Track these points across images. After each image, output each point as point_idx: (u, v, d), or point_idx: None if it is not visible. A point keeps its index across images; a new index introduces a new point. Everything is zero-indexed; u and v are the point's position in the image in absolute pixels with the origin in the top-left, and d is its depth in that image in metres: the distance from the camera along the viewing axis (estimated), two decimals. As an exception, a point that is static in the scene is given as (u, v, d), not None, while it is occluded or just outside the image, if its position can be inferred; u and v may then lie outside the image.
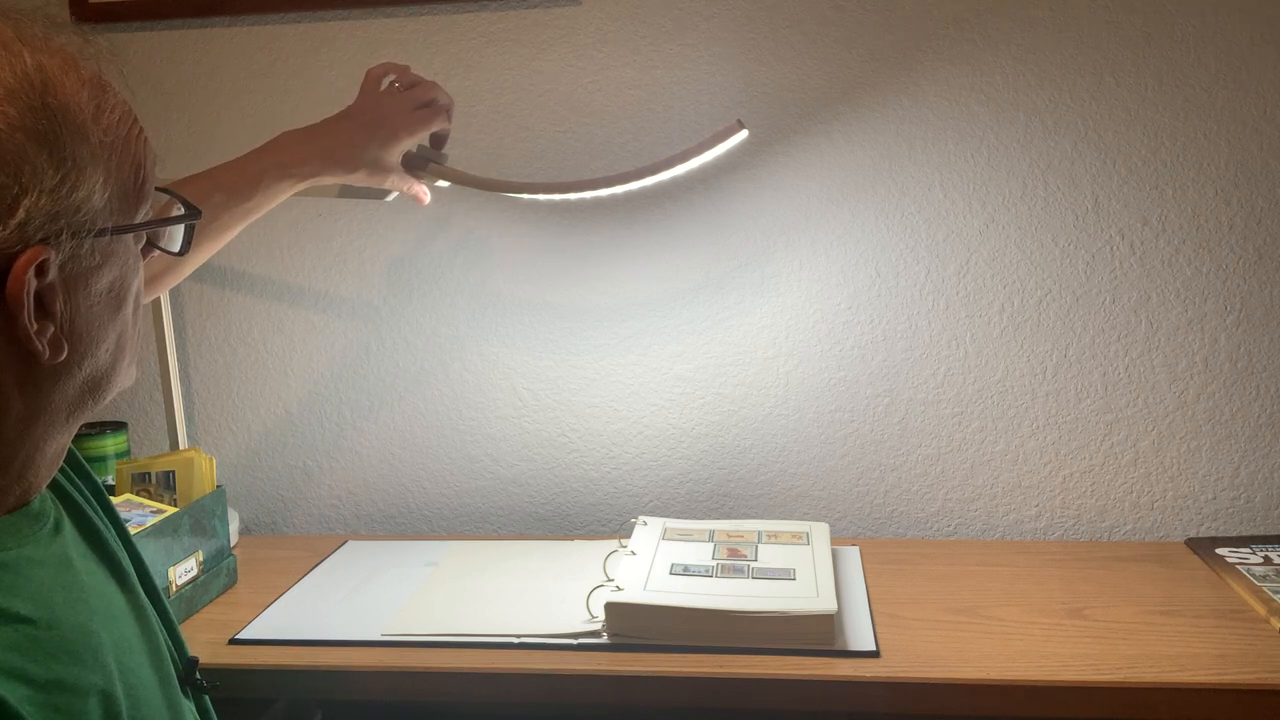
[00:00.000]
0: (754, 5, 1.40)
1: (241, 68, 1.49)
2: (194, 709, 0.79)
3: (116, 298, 0.67)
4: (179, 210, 0.74)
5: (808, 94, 1.41)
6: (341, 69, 1.47)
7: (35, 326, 0.61)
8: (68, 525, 0.72)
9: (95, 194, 0.63)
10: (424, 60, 1.45)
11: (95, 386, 0.68)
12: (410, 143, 1.20)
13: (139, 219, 0.68)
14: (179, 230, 0.75)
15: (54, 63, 0.62)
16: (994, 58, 1.37)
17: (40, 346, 0.62)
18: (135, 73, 1.51)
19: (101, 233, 0.64)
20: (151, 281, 1.09)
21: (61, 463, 0.72)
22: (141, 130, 0.69)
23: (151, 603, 0.79)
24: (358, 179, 1.17)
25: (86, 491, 0.79)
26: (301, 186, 1.14)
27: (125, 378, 0.71)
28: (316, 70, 1.48)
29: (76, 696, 0.61)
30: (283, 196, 1.14)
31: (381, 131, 1.16)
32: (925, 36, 1.38)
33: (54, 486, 0.75)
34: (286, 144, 1.14)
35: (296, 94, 1.49)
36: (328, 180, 1.16)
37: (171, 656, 0.77)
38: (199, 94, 1.50)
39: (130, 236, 0.68)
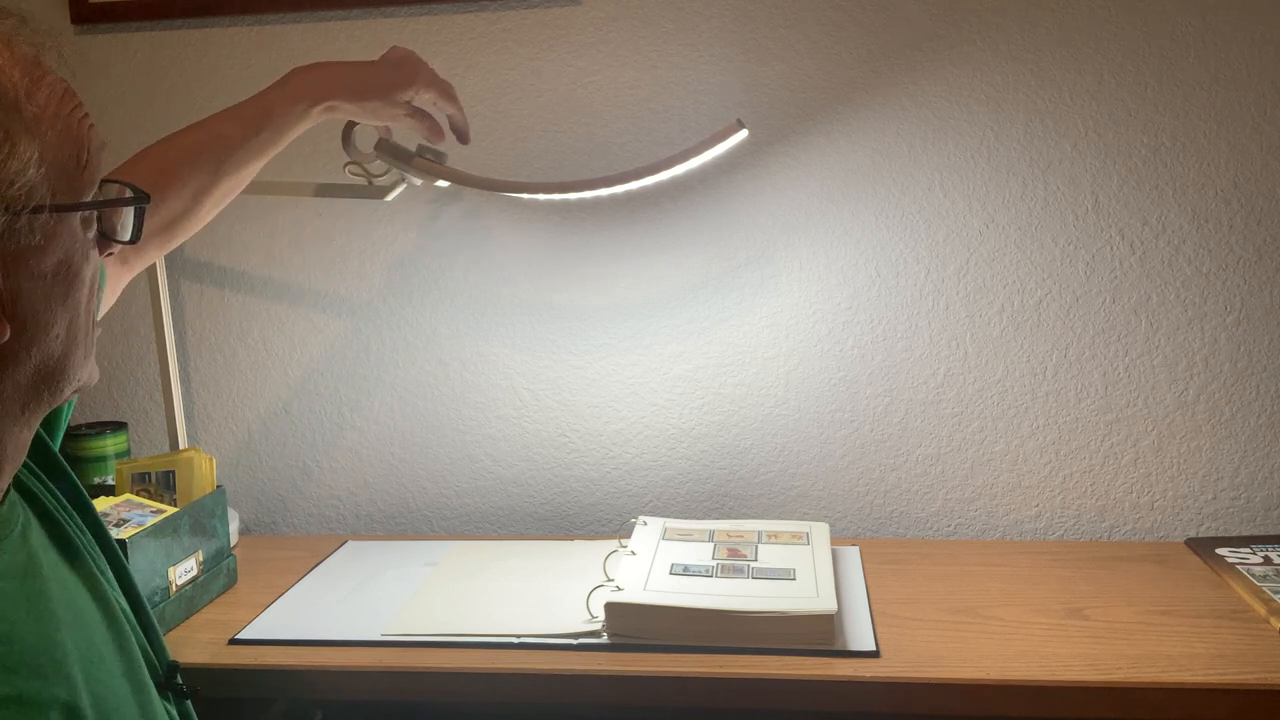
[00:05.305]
0: (754, 5, 1.40)
1: (241, 68, 1.49)
2: (175, 714, 0.78)
3: (65, 282, 0.66)
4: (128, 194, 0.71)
5: (808, 94, 1.41)
6: (341, 69, 1.47)
7: None
8: (36, 530, 0.71)
9: (30, 168, 0.61)
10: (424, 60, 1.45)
11: (48, 377, 0.67)
12: (420, 96, 1.20)
13: (83, 201, 0.67)
14: (129, 218, 0.72)
15: None
16: (994, 58, 1.37)
17: None
18: (135, 73, 1.51)
19: (39, 210, 0.62)
20: (166, 230, 1.09)
21: (24, 461, 0.71)
22: (86, 115, 0.67)
23: (133, 607, 0.78)
24: (368, 111, 1.17)
25: (61, 495, 0.78)
26: (316, 113, 1.14)
27: (84, 372, 0.70)
28: (316, 70, 1.48)
29: (37, 710, 0.61)
30: (298, 127, 1.13)
31: (406, 68, 1.17)
32: (925, 36, 1.38)
33: (24, 490, 0.74)
34: (299, 73, 1.14)
35: (296, 94, 1.49)
36: (339, 110, 1.15)
37: (150, 662, 0.77)
38: (199, 94, 1.50)
39: (77, 220, 0.66)
